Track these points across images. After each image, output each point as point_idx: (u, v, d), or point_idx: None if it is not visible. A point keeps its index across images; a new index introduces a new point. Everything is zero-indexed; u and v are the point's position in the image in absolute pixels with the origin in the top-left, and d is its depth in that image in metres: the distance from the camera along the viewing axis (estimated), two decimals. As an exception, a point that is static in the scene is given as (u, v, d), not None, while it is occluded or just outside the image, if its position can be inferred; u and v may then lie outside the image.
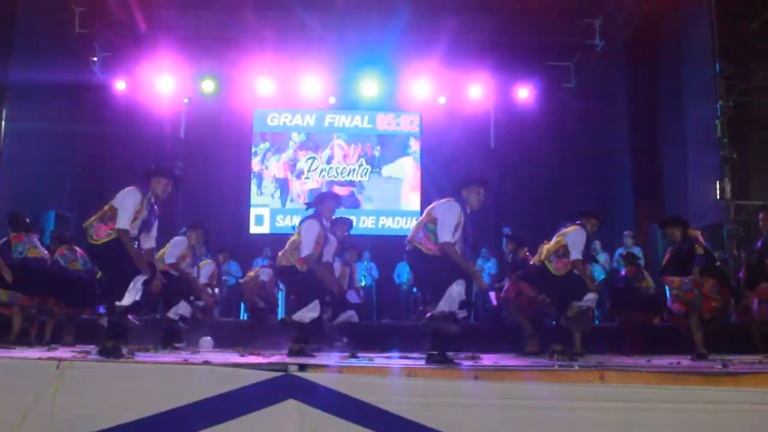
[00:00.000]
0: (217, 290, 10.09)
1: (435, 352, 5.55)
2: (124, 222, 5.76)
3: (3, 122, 12.04)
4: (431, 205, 6.00)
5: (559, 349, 6.89)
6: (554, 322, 7.59)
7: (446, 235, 5.66)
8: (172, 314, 8.39)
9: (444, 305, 5.56)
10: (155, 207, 6.15)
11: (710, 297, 7.37)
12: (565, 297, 7.05)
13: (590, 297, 6.93)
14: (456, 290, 5.55)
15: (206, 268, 9.56)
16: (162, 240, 9.47)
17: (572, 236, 6.98)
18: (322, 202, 7.04)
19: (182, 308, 8.44)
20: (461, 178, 6.10)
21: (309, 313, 6.66)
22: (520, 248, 9.08)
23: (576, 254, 6.90)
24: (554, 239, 7.19)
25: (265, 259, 12.70)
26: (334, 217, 7.47)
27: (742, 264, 9.43)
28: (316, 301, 6.66)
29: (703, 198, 12.19)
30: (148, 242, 6.18)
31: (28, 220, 8.68)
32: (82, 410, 4.29)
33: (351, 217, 9.32)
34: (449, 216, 5.73)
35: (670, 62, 13.95)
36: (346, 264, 9.44)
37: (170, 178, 6.21)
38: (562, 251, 6.98)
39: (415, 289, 12.33)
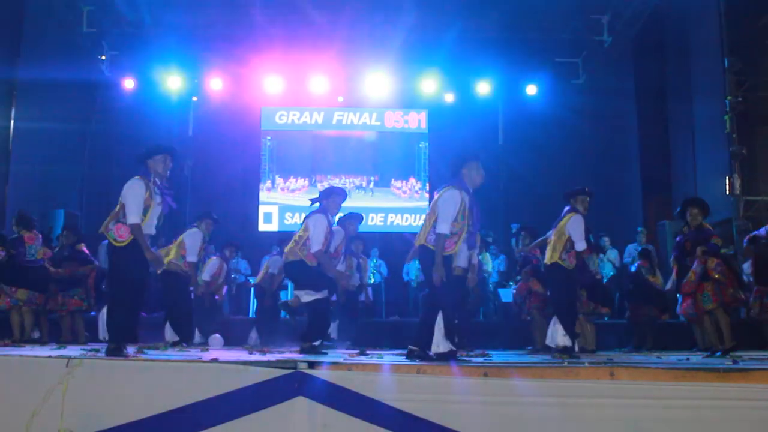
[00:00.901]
0: (225, 287, 10.09)
1: (415, 348, 5.69)
2: (133, 216, 5.54)
3: (12, 121, 12.09)
4: (434, 200, 5.98)
5: (559, 350, 6.90)
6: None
7: (444, 227, 5.67)
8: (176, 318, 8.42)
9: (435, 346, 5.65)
10: (164, 187, 5.88)
11: (718, 280, 7.26)
12: (572, 291, 7.07)
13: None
14: (439, 324, 5.65)
15: (210, 265, 9.55)
16: (169, 235, 9.53)
17: (572, 227, 6.92)
18: (327, 197, 7.06)
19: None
20: (455, 160, 6.02)
21: (311, 296, 6.72)
22: (533, 241, 8.99)
23: (581, 245, 6.88)
24: (554, 235, 7.13)
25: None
26: (343, 214, 7.48)
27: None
28: (319, 289, 6.73)
29: (712, 194, 12.12)
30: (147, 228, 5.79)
31: (33, 218, 8.80)
32: (92, 408, 4.30)
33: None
34: (448, 206, 5.72)
35: (679, 58, 13.88)
36: (353, 255, 9.41)
37: (165, 152, 5.89)
38: (570, 245, 6.94)
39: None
